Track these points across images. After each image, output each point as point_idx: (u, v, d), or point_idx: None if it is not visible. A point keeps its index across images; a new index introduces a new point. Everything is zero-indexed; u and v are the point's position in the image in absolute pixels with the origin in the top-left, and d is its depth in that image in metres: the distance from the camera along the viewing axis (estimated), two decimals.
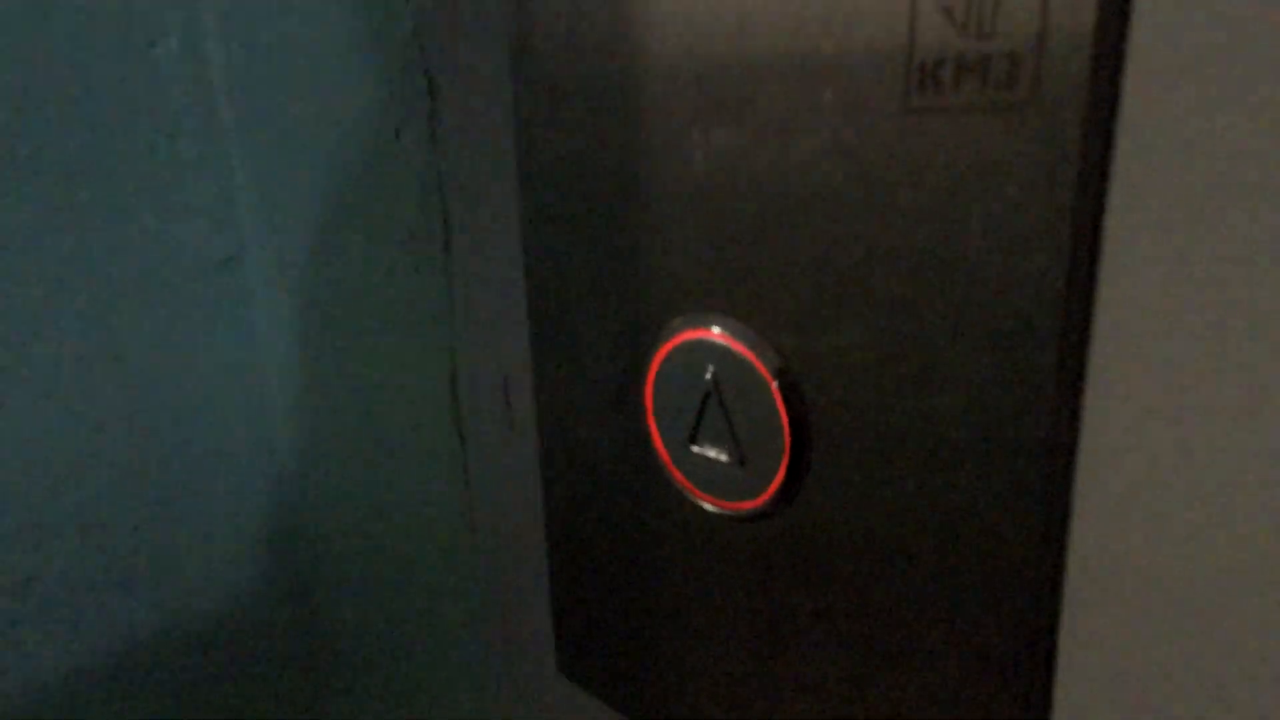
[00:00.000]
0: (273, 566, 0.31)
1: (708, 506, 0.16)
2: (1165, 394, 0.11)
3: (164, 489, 0.28)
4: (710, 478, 0.16)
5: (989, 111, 0.11)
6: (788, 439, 0.14)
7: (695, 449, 0.16)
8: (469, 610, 0.25)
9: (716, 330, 0.15)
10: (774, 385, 0.14)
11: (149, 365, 0.26)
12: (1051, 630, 0.13)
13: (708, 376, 0.15)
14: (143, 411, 0.27)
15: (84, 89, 0.22)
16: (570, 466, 0.19)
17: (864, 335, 0.13)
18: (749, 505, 0.15)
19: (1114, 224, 0.11)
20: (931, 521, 0.13)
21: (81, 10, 0.21)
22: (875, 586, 0.14)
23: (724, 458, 0.15)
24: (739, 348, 0.15)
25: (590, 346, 0.18)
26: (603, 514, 0.18)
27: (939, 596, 0.14)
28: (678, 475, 0.16)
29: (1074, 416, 0.12)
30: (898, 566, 0.14)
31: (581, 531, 0.19)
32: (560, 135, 0.17)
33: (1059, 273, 0.11)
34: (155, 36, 0.24)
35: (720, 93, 0.14)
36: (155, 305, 0.27)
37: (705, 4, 0.14)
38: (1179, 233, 0.10)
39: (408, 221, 0.23)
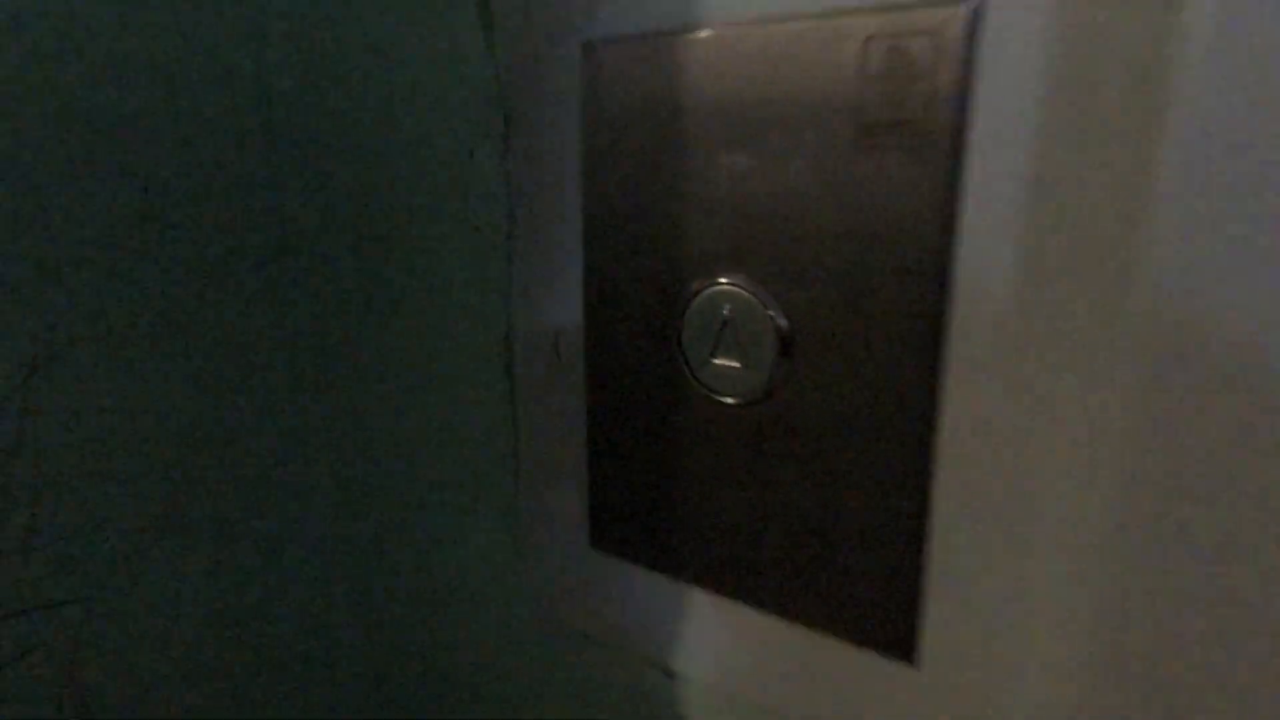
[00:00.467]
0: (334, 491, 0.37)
1: (722, 399, 0.24)
2: (1005, 324, 0.20)
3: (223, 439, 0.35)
4: (724, 379, 0.24)
5: (902, 149, 0.20)
6: (777, 352, 0.23)
7: (715, 360, 0.24)
8: (510, 503, 0.32)
9: (728, 282, 0.23)
10: (770, 316, 0.23)
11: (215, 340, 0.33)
12: (928, 475, 0.22)
13: (725, 312, 0.24)
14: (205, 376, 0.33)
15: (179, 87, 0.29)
16: (612, 383, 0.27)
17: (826, 287, 0.22)
18: (750, 396, 0.24)
19: (967, 212, 0.20)
20: (862, 405, 0.22)
21: None
22: (832, 447, 0.23)
23: (734, 364, 0.24)
24: (747, 293, 0.23)
25: (639, 299, 0.26)
26: (638, 415, 0.27)
27: (865, 457, 0.22)
28: (700, 380, 0.25)
29: (941, 334, 0.21)
30: (844, 432, 0.23)
31: (619, 430, 0.27)
32: (617, 156, 0.25)
33: (938, 239, 0.20)
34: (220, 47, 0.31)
35: (741, 129, 0.23)
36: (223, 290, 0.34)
37: (733, 72, 0.23)
38: (1011, 214, 0.19)
39: (476, 217, 0.30)
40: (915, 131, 0.20)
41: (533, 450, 0.31)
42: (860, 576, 0.23)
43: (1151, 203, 0.17)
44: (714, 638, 0.27)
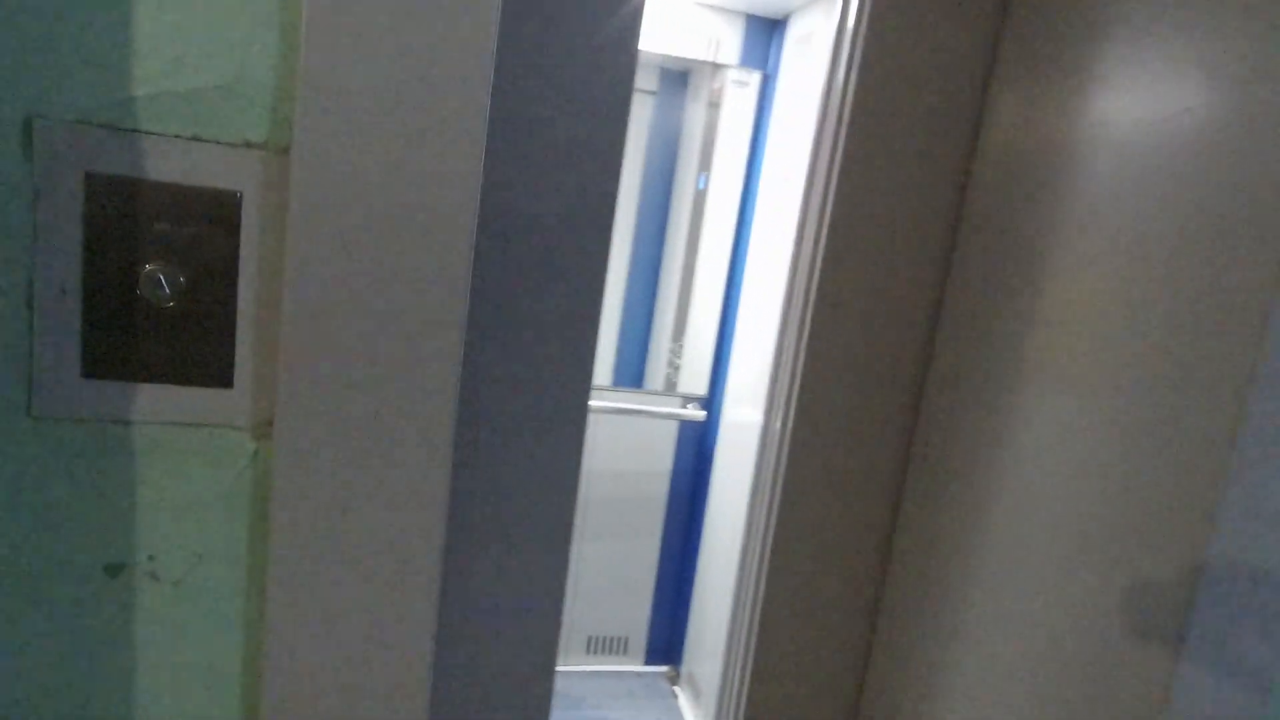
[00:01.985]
0: None
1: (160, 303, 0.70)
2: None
3: None
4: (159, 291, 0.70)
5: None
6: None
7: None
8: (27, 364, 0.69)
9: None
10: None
11: None
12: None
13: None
14: None
15: None
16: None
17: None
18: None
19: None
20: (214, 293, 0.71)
21: None
22: (195, 311, 0.71)
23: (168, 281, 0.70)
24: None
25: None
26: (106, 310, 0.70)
27: (214, 313, 0.71)
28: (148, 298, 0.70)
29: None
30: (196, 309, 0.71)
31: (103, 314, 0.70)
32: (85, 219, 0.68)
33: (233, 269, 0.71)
34: None
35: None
36: None
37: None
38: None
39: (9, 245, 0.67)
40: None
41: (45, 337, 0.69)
42: (210, 355, 0.72)
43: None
44: (154, 396, 0.72)
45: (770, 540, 1.47)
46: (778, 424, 1.43)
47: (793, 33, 2.68)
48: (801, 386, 1.33)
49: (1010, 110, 1.27)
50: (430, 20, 0.67)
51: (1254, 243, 0.91)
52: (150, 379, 0.72)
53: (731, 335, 3.05)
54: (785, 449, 1.38)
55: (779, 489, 1.45)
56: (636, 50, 0.88)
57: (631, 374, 3.56)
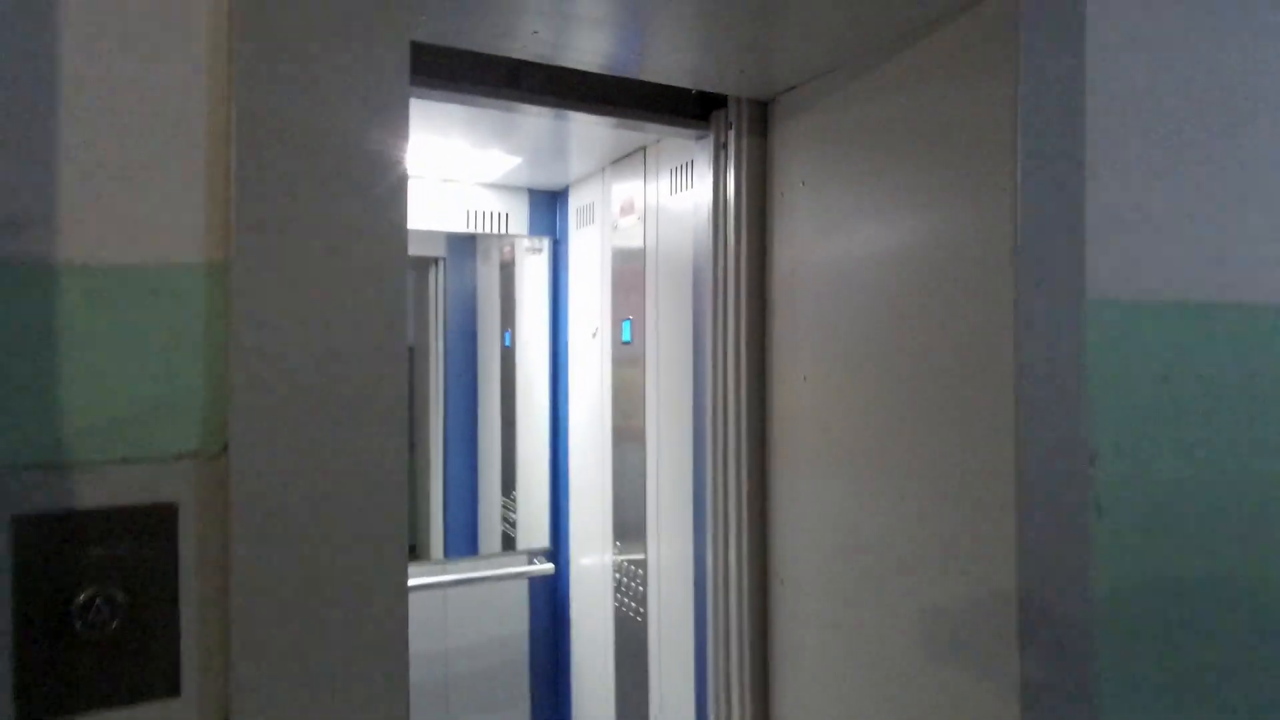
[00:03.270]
0: None
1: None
2: None
3: None
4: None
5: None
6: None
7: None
8: None
9: None
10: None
11: None
12: None
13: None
14: None
15: None
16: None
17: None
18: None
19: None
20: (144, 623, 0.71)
21: None
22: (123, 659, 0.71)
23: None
24: None
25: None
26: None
27: (145, 651, 0.72)
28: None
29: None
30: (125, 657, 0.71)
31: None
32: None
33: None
34: None
35: None
36: None
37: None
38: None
39: None
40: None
41: None
42: (156, 668, 0.72)
43: None
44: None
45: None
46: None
47: (573, 204, 2.95)
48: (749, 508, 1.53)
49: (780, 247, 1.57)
50: (352, 327, 0.75)
51: (984, 350, 1.18)
52: (92, 707, 0.70)
53: (566, 482, 3.14)
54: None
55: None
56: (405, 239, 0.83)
57: (466, 540, 3.53)
